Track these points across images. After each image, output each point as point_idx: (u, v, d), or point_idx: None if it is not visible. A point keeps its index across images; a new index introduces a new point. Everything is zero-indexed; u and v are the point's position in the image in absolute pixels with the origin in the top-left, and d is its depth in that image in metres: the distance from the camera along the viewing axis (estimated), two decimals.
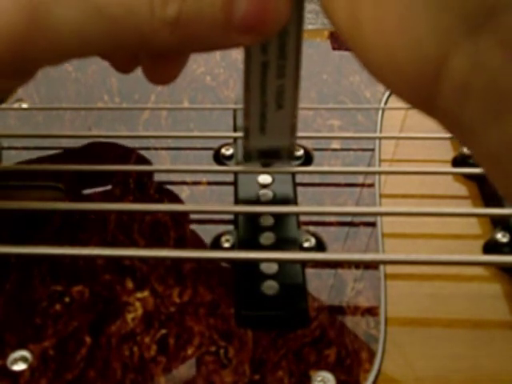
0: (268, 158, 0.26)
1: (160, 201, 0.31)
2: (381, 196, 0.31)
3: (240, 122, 0.35)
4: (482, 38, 0.12)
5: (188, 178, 0.32)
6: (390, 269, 0.27)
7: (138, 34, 0.18)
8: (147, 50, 0.21)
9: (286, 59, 0.21)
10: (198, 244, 0.28)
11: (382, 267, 0.27)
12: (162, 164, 0.33)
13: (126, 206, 0.30)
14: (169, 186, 0.31)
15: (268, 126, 0.24)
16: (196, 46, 0.19)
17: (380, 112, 0.36)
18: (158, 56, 0.22)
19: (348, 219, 0.30)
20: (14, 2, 0.17)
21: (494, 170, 0.14)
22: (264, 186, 0.30)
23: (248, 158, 0.26)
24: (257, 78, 0.22)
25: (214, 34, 0.18)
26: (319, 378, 0.23)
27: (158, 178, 0.32)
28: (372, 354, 0.24)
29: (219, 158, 0.33)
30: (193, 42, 0.18)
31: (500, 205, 0.29)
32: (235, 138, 0.33)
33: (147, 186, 0.31)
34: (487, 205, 0.31)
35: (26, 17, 0.17)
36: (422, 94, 0.14)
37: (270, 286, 0.26)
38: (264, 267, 0.26)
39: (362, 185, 0.32)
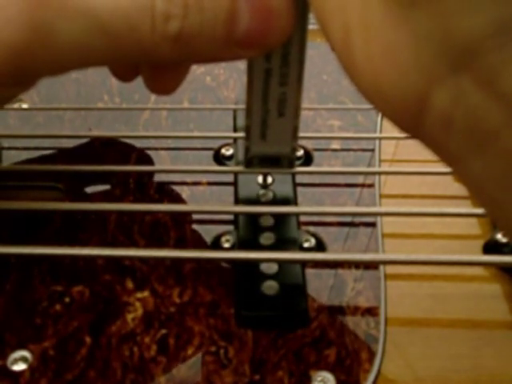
0: (269, 164, 0.26)
1: (160, 201, 0.31)
2: (381, 196, 0.31)
3: (240, 122, 0.35)
4: (463, 76, 0.12)
5: (188, 178, 0.32)
6: (390, 269, 0.27)
7: (139, 48, 0.18)
8: (148, 63, 0.22)
9: (289, 67, 0.21)
10: (198, 244, 0.28)
11: (381, 267, 0.27)
12: (162, 164, 0.33)
13: (125, 206, 0.30)
14: (169, 186, 0.31)
15: (269, 133, 0.24)
16: (197, 59, 0.19)
17: (380, 112, 0.36)
18: (158, 68, 0.22)
19: (348, 219, 0.30)
20: (19, 15, 0.17)
21: (480, 198, 0.14)
22: (264, 186, 0.30)
23: (249, 164, 0.26)
24: (259, 85, 0.22)
25: (216, 48, 0.18)
26: (319, 378, 0.23)
27: (158, 178, 0.32)
28: (372, 354, 0.24)
29: (219, 159, 0.33)
30: (194, 56, 0.19)
31: None
32: (235, 138, 0.33)
33: (147, 186, 0.31)
34: None
35: (30, 30, 0.17)
36: (408, 122, 0.14)
37: (270, 286, 0.26)
38: (264, 267, 0.26)
39: (362, 185, 0.32)
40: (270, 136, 0.24)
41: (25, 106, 0.36)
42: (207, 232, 0.29)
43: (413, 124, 0.14)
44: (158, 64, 0.22)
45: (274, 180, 0.31)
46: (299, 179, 0.31)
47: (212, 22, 0.17)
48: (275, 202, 0.30)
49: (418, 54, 0.13)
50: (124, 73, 0.25)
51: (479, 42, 0.11)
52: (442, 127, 0.13)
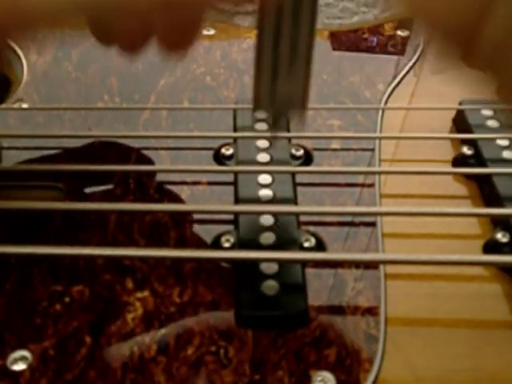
0: (279, 107, 0.24)
1: (160, 201, 0.31)
2: (381, 196, 0.31)
3: (240, 122, 0.35)
4: None
5: (188, 177, 0.32)
6: (390, 269, 0.27)
7: None
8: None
9: (301, 4, 0.21)
10: (198, 244, 0.28)
11: (381, 267, 0.27)
12: (162, 164, 0.33)
13: (126, 205, 0.30)
14: (169, 186, 0.31)
15: (280, 72, 0.23)
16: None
17: (380, 112, 0.36)
18: (173, 21, 0.21)
19: (348, 219, 0.30)
20: None
21: None
22: (264, 186, 0.30)
23: (258, 106, 0.24)
24: (271, 21, 0.21)
25: None
26: (319, 378, 0.23)
27: (158, 178, 0.32)
28: (372, 354, 0.24)
29: (219, 158, 0.33)
30: None
31: (500, 205, 0.29)
32: (235, 138, 0.33)
33: (147, 186, 0.31)
34: (487, 205, 0.31)
35: None
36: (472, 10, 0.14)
37: (270, 286, 0.26)
38: (264, 267, 0.26)
39: (362, 185, 0.32)
40: (281, 75, 0.23)
41: (25, 105, 0.36)
42: (207, 232, 0.29)
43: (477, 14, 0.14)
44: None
45: (273, 180, 0.31)
46: (299, 179, 0.31)
47: None
48: (275, 201, 0.30)
49: None
50: (132, 39, 0.23)
51: None
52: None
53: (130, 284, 0.26)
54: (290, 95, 0.24)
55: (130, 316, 0.25)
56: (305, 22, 0.21)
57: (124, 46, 0.23)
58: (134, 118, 0.35)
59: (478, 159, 0.32)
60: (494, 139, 0.33)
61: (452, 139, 0.34)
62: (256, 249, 0.27)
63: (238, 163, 0.32)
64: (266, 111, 0.25)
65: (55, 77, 0.39)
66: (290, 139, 0.33)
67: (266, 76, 0.23)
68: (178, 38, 0.22)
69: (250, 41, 0.43)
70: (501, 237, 0.28)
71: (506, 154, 0.32)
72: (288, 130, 0.34)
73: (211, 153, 0.33)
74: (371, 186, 0.31)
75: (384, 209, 0.30)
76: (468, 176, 0.32)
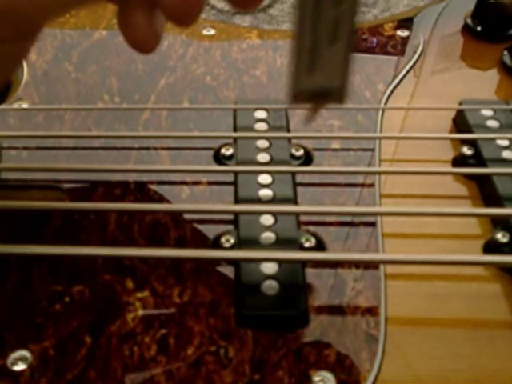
0: (317, 99, 0.23)
1: (160, 201, 0.31)
2: (381, 196, 0.31)
3: (240, 121, 0.35)
4: None
5: (188, 177, 0.32)
6: (390, 269, 0.27)
7: None
8: None
9: None
10: (198, 244, 0.28)
11: (382, 267, 0.27)
12: (162, 164, 0.33)
13: (126, 205, 0.30)
14: (169, 186, 0.31)
15: (319, 64, 0.21)
16: None
17: (380, 112, 0.36)
18: None
19: (348, 219, 0.30)
20: None
21: None
22: (264, 186, 0.30)
23: (295, 99, 0.23)
24: (310, 7, 0.20)
25: None
26: (319, 378, 0.23)
27: (158, 178, 0.32)
28: (372, 354, 0.24)
29: (219, 158, 0.33)
30: None
31: (500, 205, 0.29)
32: (235, 138, 0.33)
33: (147, 186, 0.31)
34: (487, 205, 0.31)
35: None
36: None
37: (270, 286, 0.26)
38: (264, 267, 0.26)
39: (362, 185, 0.32)
40: (319, 67, 0.22)
41: (25, 105, 0.36)
42: (207, 232, 0.29)
43: None
44: None
45: (273, 180, 0.31)
46: (299, 179, 0.31)
47: None
48: (275, 201, 0.30)
49: None
50: (141, 14, 0.22)
51: None
52: None
53: (130, 284, 0.26)
54: (330, 85, 0.22)
55: (130, 316, 0.25)
56: (348, 2, 0.20)
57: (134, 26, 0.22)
58: (134, 117, 0.35)
59: (478, 159, 0.32)
60: (494, 139, 0.33)
61: (452, 139, 0.34)
62: (256, 249, 0.27)
63: (238, 163, 0.32)
64: (303, 104, 0.23)
65: (55, 77, 0.39)
66: (289, 139, 0.33)
67: (304, 64, 0.21)
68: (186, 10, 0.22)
69: (250, 41, 0.43)
70: (501, 237, 0.28)
71: (506, 154, 0.32)
72: (288, 130, 0.34)
73: (211, 153, 0.33)
74: (371, 185, 0.31)
75: (384, 209, 0.30)
76: (468, 176, 0.32)
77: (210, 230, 0.29)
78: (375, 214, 0.29)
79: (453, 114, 0.36)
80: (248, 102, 0.36)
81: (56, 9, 0.18)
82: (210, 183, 0.31)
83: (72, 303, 0.26)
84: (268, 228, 0.28)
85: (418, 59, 0.41)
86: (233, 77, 0.39)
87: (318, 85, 0.22)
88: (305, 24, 0.20)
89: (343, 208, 0.30)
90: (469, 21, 0.43)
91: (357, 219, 0.29)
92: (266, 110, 0.35)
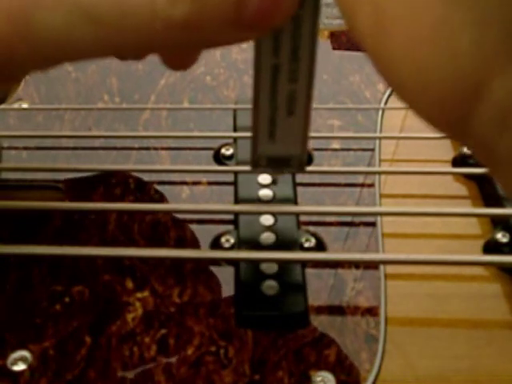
0: (278, 166, 0.24)
1: (160, 201, 0.31)
2: (381, 196, 0.31)
3: (241, 121, 0.35)
4: None
5: (188, 177, 0.32)
6: (390, 269, 0.27)
7: (134, 37, 0.16)
8: (145, 51, 0.20)
9: (299, 62, 0.20)
10: (198, 244, 0.28)
11: (381, 267, 0.27)
12: (162, 164, 0.33)
13: (126, 205, 0.30)
14: (169, 186, 0.31)
15: (278, 133, 0.23)
16: (198, 45, 0.18)
17: (380, 112, 0.36)
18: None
19: (348, 219, 0.30)
20: None
21: None
22: (264, 186, 0.30)
23: (256, 165, 0.24)
24: (267, 82, 0.21)
25: (221, 32, 0.16)
26: (319, 378, 0.23)
27: (158, 178, 0.32)
28: (372, 354, 0.24)
29: (219, 158, 0.33)
30: (196, 42, 0.17)
31: (500, 205, 0.29)
32: (235, 138, 0.33)
33: (147, 186, 0.31)
34: (487, 205, 0.31)
35: (5, 21, 0.16)
36: (453, 117, 0.12)
37: (270, 286, 0.26)
38: (264, 267, 0.26)
39: (362, 185, 0.32)
40: (279, 136, 0.23)
41: (25, 105, 0.36)
42: (207, 232, 0.29)
43: (459, 119, 0.12)
44: (156, 51, 0.20)
45: (274, 180, 0.31)
46: (299, 179, 0.31)
47: (221, 4, 0.15)
48: (275, 201, 0.30)
49: (478, 33, 0.11)
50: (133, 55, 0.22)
51: None
52: (496, 123, 0.11)
53: (129, 284, 0.26)
54: (289, 153, 0.24)
55: (130, 316, 0.25)
56: (303, 79, 0.21)
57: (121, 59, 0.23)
58: (134, 117, 0.35)
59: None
60: None
61: (452, 139, 0.34)
62: (256, 249, 0.27)
63: (238, 163, 0.32)
64: (264, 171, 0.25)
65: (55, 77, 0.39)
66: None
67: (264, 133, 0.23)
68: (176, 62, 0.22)
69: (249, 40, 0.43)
70: (501, 237, 0.28)
71: None
72: None
73: (211, 153, 0.33)
74: (371, 186, 0.31)
75: (384, 209, 0.30)
76: (468, 176, 0.32)
77: (209, 230, 0.29)
78: (375, 214, 0.29)
79: None
80: (248, 102, 0.36)
81: (35, 66, 0.18)
82: (209, 183, 0.31)
83: (72, 303, 0.26)
84: (268, 228, 0.28)
85: None
86: (233, 77, 0.39)
87: (277, 152, 0.23)
88: (263, 97, 0.21)
89: (343, 208, 0.30)
90: None
91: (357, 219, 0.29)
92: None
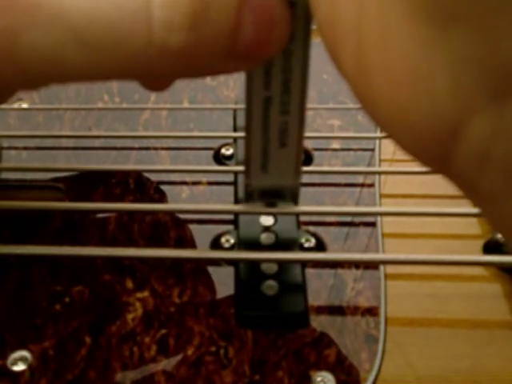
0: (271, 197, 0.24)
1: (160, 201, 0.31)
2: (381, 196, 0.31)
3: (240, 122, 0.35)
4: (508, 105, 0.10)
5: (188, 177, 0.32)
6: (390, 269, 0.27)
7: (127, 63, 0.15)
8: (137, 78, 0.19)
9: (291, 95, 0.20)
10: (198, 244, 0.28)
11: (381, 267, 0.27)
12: (162, 164, 0.33)
13: (125, 205, 0.30)
14: (169, 186, 0.31)
15: (270, 165, 0.23)
16: (191, 73, 0.17)
17: None
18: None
19: (348, 219, 0.30)
20: None
21: None
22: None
23: (249, 197, 0.24)
24: (259, 114, 0.21)
25: (214, 61, 0.16)
26: (319, 378, 0.23)
27: (158, 178, 0.32)
28: (372, 354, 0.24)
29: (219, 158, 0.33)
30: (188, 71, 0.17)
31: None
32: (235, 138, 0.33)
33: (147, 186, 0.31)
34: None
35: None
36: (434, 155, 0.13)
37: (270, 286, 0.26)
38: (264, 267, 0.26)
39: (362, 185, 0.32)
40: (271, 168, 0.23)
41: (25, 105, 0.36)
42: (207, 232, 0.29)
43: (440, 157, 0.12)
44: (148, 78, 0.20)
45: None
46: None
47: (217, 34, 0.15)
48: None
49: (454, 78, 0.11)
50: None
51: None
52: (476, 162, 0.12)
53: (129, 284, 0.26)
54: (282, 184, 0.24)
55: (130, 316, 0.25)
56: (294, 111, 0.21)
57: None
58: (134, 117, 0.35)
59: None
60: None
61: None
62: (256, 249, 0.27)
63: (238, 163, 0.32)
64: (258, 201, 0.25)
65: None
66: None
67: (257, 165, 0.23)
68: (154, 85, 0.22)
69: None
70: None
71: None
72: None
73: (211, 153, 0.33)
74: (371, 185, 0.31)
75: (384, 209, 0.30)
76: None
77: (209, 230, 0.29)
78: (375, 214, 0.29)
79: None
80: None
81: (22, 86, 0.18)
82: (209, 183, 0.31)
83: (72, 303, 0.26)
84: (268, 228, 0.28)
85: None
86: (233, 77, 0.39)
87: (270, 183, 0.24)
88: (255, 129, 0.21)
89: (343, 208, 0.30)
90: None
91: (357, 219, 0.29)
92: None
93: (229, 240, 0.28)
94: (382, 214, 0.29)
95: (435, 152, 0.12)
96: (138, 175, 0.32)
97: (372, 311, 0.26)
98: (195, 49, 0.15)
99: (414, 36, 0.11)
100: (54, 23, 0.15)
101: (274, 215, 0.29)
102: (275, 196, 0.24)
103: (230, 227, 0.29)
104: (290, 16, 0.16)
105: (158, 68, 0.16)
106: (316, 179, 0.32)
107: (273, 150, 0.22)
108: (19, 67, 0.16)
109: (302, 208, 0.30)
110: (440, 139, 0.12)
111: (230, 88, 0.38)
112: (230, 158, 0.33)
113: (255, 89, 0.20)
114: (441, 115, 0.11)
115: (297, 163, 0.23)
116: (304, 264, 0.27)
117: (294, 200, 0.25)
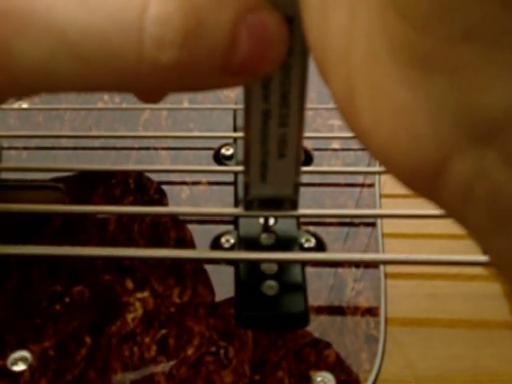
0: (270, 207, 0.25)
1: (160, 201, 0.31)
2: (381, 196, 0.31)
3: (241, 122, 0.35)
4: (487, 149, 0.10)
5: (188, 178, 0.32)
6: (390, 269, 0.27)
7: (118, 77, 0.15)
8: (127, 92, 0.20)
9: (289, 108, 0.20)
10: (198, 244, 0.28)
11: (381, 267, 0.27)
12: (162, 164, 0.33)
13: (125, 208, 0.30)
14: (169, 186, 0.31)
15: (269, 175, 0.23)
16: (184, 88, 0.17)
17: None
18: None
19: (348, 219, 0.30)
20: None
21: (506, 271, 0.12)
22: None
23: (249, 206, 0.25)
24: (258, 126, 0.21)
25: (208, 77, 0.16)
26: (319, 379, 0.23)
27: (157, 178, 0.32)
28: (372, 354, 0.24)
29: (219, 158, 0.33)
30: (182, 86, 0.17)
31: None
32: (235, 138, 0.33)
33: (147, 186, 0.31)
34: None
35: None
36: (421, 188, 0.13)
37: (270, 286, 0.26)
38: (264, 267, 0.26)
39: (362, 185, 0.32)
40: (270, 178, 0.23)
41: (25, 105, 0.36)
42: (207, 232, 0.29)
43: (427, 190, 0.13)
44: (141, 91, 0.20)
45: None
46: None
47: (211, 50, 0.15)
48: None
49: (434, 120, 0.11)
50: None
51: (505, 119, 0.10)
52: (461, 198, 0.12)
53: (129, 284, 0.26)
54: (281, 194, 0.24)
55: (130, 316, 0.25)
56: (293, 123, 0.21)
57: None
58: (134, 117, 0.35)
59: None
60: None
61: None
62: (256, 249, 0.27)
63: (238, 163, 0.32)
64: (257, 211, 0.25)
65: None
66: None
67: (256, 176, 0.23)
68: (148, 96, 0.22)
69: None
70: None
71: None
72: None
73: (211, 153, 0.33)
74: (371, 186, 0.31)
75: (384, 211, 0.30)
76: None
77: (209, 230, 0.29)
78: (375, 217, 0.29)
79: None
80: None
81: (13, 95, 0.18)
82: (209, 183, 0.31)
83: (72, 303, 0.26)
84: (268, 228, 0.28)
85: None
86: None
87: (269, 193, 0.24)
88: (254, 140, 0.21)
89: (343, 210, 0.30)
90: None
91: (357, 219, 0.29)
92: None
93: (229, 240, 0.28)
94: (382, 217, 0.29)
95: (420, 185, 0.13)
96: (138, 175, 0.32)
97: (372, 311, 0.26)
98: (188, 65, 0.15)
99: (397, 75, 0.11)
100: (45, 34, 0.15)
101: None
102: (274, 205, 0.24)
103: (230, 227, 0.29)
104: (287, 32, 0.16)
105: (149, 83, 0.16)
106: (316, 179, 0.32)
107: (272, 160, 0.22)
108: (10, 76, 0.15)
109: (301, 211, 0.30)
110: (422, 176, 0.12)
111: (230, 88, 0.38)
112: (229, 158, 0.33)
113: (254, 102, 0.20)
114: (421, 153, 0.12)
115: (296, 173, 0.23)
116: (304, 264, 0.27)
117: (294, 209, 0.25)
